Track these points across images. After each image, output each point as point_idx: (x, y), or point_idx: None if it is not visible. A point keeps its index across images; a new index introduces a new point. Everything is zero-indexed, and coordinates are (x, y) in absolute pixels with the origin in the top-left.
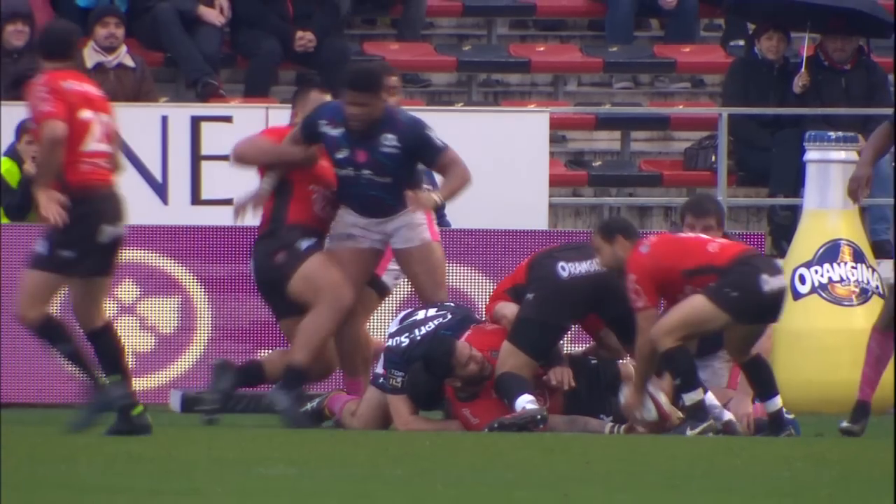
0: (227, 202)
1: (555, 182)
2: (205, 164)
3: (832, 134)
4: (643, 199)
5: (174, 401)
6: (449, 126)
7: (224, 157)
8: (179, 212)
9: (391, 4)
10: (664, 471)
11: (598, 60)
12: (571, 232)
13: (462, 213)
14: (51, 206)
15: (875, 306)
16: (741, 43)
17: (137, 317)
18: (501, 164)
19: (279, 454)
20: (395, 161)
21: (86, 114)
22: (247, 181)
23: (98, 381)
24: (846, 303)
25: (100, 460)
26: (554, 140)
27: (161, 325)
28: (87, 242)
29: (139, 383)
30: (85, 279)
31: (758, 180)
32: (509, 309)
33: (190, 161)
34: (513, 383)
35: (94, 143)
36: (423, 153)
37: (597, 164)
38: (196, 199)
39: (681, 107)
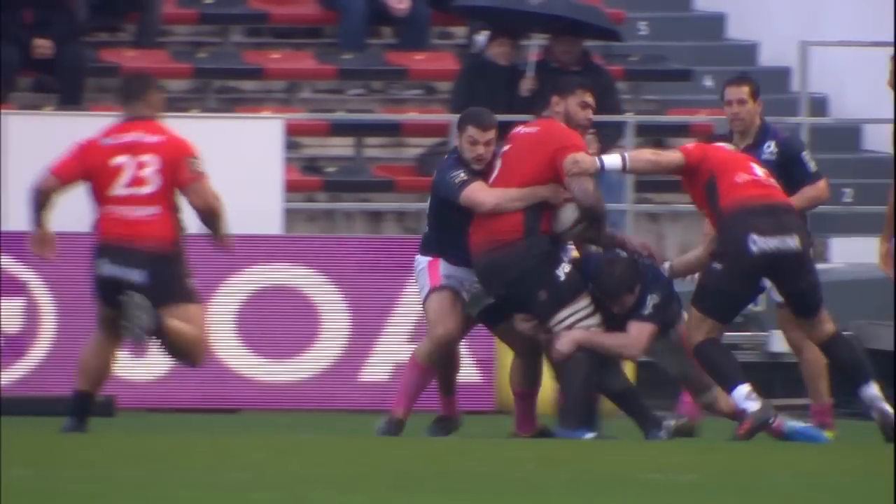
0: None
1: (290, 188)
2: None
3: None
4: (377, 204)
5: None
6: (184, 132)
7: None
8: None
9: (128, 12)
10: (398, 472)
11: (332, 68)
12: (307, 237)
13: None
14: None
15: None
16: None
17: None
18: (237, 170)
19: (16, 456)
20: None
21: None
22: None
23: None
24: None
25: None
26: (288, 146)
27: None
28: None
29: None
30: None
31: None
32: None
33: None
34: (723, 365)
35: None
36: None
37: (331, 169)
38: None
39: (413, 113)
